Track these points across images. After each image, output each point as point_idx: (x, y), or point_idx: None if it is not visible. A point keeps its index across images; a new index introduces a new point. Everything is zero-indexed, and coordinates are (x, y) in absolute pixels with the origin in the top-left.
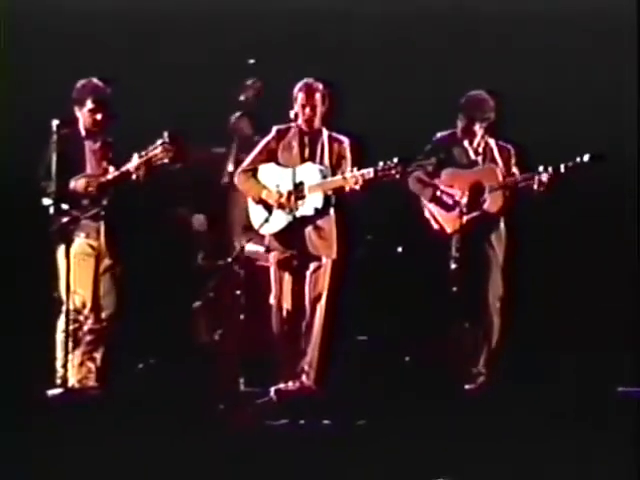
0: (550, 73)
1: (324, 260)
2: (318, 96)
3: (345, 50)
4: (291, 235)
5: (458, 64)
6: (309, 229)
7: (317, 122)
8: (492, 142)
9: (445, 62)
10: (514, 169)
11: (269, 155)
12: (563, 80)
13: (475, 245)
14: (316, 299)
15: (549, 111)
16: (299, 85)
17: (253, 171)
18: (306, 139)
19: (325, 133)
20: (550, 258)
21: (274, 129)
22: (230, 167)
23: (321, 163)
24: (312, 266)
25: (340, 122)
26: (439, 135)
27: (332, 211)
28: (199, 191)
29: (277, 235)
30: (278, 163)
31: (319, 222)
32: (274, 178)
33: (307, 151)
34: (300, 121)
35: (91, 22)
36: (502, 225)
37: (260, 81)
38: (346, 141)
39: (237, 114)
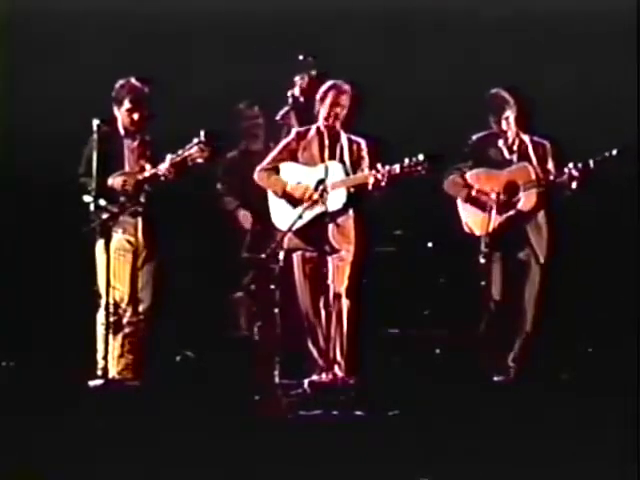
0: (549, 73)
1: (343, 253)
2: (346, 97)
3: (357, 49)
4: (313, 232)
5: (460, 65)
6: (330, 225)
7: (340, 123)
8: (527, 139)
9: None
10: (550, 164)
11: (289, 155)
12: (562, 80)
13: (511, 241)
14: (340, 293)
15: (548, 111)
16: (328, 85)
17: (274, 169)
18: (326, 140)
19: (343, 135)
20: (586, 252)
21: (293, 131)
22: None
23: (341, 162)
24: (334, 260)
25: (357, 124)
26: (475, 137)
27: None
28: (243, 185)
29: (299, 232)
30: (298, 162)
31: (338, 217)
32: (296, 176)
33: (327, 151)
34: (321, 121)
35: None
36: (542, 220)
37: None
38: (363, 142)
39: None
